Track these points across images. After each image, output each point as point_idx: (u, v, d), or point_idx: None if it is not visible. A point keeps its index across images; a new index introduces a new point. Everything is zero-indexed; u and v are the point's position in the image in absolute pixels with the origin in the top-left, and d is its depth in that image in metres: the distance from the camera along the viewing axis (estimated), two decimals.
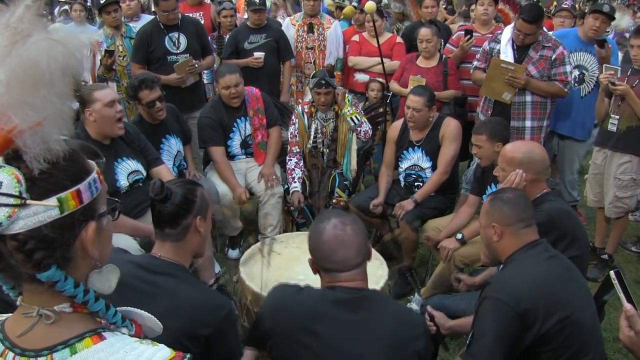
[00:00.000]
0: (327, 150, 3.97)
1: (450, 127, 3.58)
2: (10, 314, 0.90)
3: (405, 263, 3.65)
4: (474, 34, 4.40)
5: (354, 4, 5.47)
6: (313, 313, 1.61)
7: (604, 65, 3.85)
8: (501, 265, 2.16)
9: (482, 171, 3.31)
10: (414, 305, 3.30)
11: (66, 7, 6.56)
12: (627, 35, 5.82)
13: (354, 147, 3.91)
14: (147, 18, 4.97)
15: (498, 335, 1.79)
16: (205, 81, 5.10)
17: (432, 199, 3.59)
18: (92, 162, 0.90)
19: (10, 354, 0.84)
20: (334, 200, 3.87)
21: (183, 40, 4.34)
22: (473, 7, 5.14)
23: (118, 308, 0.94)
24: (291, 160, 3.95)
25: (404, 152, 3.71)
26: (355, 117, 3.82)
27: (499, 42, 3.95)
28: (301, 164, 3.96)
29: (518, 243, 1.98)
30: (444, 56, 4.39)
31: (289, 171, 3.93)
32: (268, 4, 6.23)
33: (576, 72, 4.14)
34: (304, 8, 5.12)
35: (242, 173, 3.92)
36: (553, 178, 4.62)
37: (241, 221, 4.01)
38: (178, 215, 1.72)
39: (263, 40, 4.76)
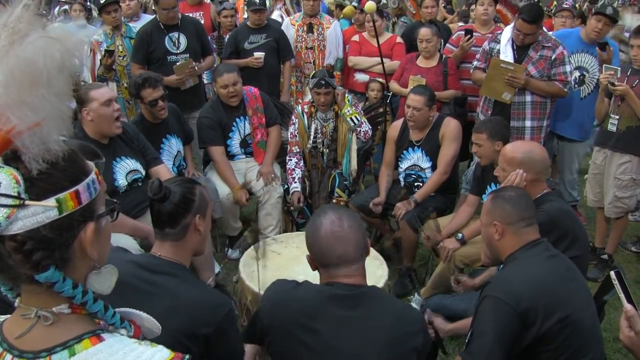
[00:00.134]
0: (327, 150, 3.97)
1: (450, 127, 3.57)
2: (9, 315, 0.90)
3: (406, 263, 3.65)
4: (474, 33, 4.40)
5: (354, 4, 5.46)
6: (311, 309, 1.60)
7: (604, 65, 3.85)
8: (501, 265, 2.16)
9: (481, 170, 3.31)
10: (414, 306, 3.31)
11: (66, 6, 6.56)
12: (627, 35, 5.81)
13: (354, 147, 3.91)
14: (147, 18, 4.97)
15: (497, 334, 1.78)
16: (205, 81, 5.09)
17: (432, 199, 3.59)
18: (91, 163, 0.89)
19: (9, 356, 0.84)
20: (334, 201, 3.87)
21: (183, 40, 4.33)
22: (473, 7, 5.14)
23: (117, 309, 0.94)
24: (291, 160, 3.95)
25: (404, 152, 3.71)
26: (355, 117, 3.82)
27: (498, 42, 3.94)
28: (301, 164, 3.96)
29: (519, 242, 1.98)
30: (444, 56, 4.39)
31: (289, 171, 3.93)
32: (268, 3, 6.22)
33: (577, 74, 4.14)
34: (304, 8, 5.12)
35: (242, 173, 3.92)
36: (553, 178, 4.62)
37: (241, 221, 4.01)
38: (177, 214, 1.72)
39: (263, 40, 4.76)
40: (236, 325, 1.77)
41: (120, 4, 4.68)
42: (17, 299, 0.88)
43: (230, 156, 3.95)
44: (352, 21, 5.46)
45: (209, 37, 4.91)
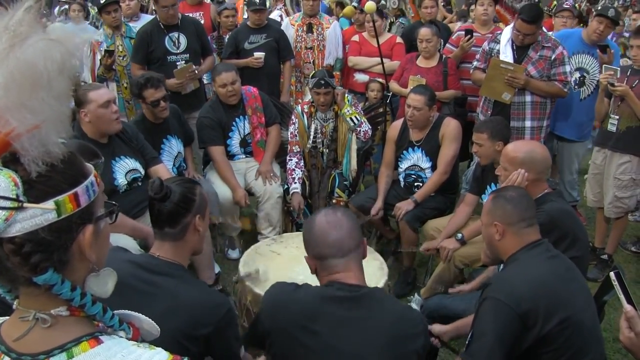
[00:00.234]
0: (327, 150, 3.96)
1: (450, 127, 3.57)
2: (7, 318, 0.90)
3: (406, 263, 3.66)
4: (473, 34, 4.40)
5: (354, 4, 5.46)
6: (311, 310, 1.60)
7: (604, 65, 3.85)
8: (501, 265, 2.16)
9: (481, 170, 3.31)
10: (414, 306, 3.31)
11: (66, 6, 6.57)
12: (626, 34, 5.82)
13: (354, 147, 3.91)
14: (146, 18, 4.97)
15: (498, 335, 1.78)
16: (205, 81, 5.09)
17: (432, 199, 3.59)
18: (90, 165, 0.89)
19: (6, 358, 0.83)
20: (333, 201, 3.86)
21: (183, 40, 4.33)
22: (473, 7, 5.14)
23: (115, 311, 0.94)
24: (291, 160, 3.95)
25: (404, 152, 3.71)
26: (355, 117, 3.82)
27: (498, 42, 3.94)
28: (301, 164, 3.96)
29: (520, 243, 1.98)
30: (443, 56, 4.38)
31: (289, 171, 3.93)
32: (267, 4, 6.23)
33: (577, 75, 4.14)
34: (303, 8, 5.12)
35: (242, 173, 3.92)
36: (553, 178, 4.62)
37: (241, 221, 4.01)
38: (177, 214, 1.72)
39: (263, 40, 4.75)
40: (235, 325, 1.77)
41: (120, 4, 4.68)
42: (15, 301, 0.88)
43: (230, 156, 3.95)
44: (352, 21, 5.46)
45: (209, 37, 4.91)
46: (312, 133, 3.93)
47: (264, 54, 4.66)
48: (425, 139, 3.62)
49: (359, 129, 3.83)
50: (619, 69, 3.73)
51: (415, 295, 3.41)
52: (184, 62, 4.31)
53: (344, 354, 1.55)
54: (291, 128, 3.98)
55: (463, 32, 4.49)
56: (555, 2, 6.80)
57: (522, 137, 3.82)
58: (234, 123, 3.90)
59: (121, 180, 3.09)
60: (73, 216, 0.83)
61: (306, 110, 3.94)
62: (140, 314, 1.00)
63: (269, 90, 4.42)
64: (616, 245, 4.01)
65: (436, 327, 2.28)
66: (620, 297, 1.54)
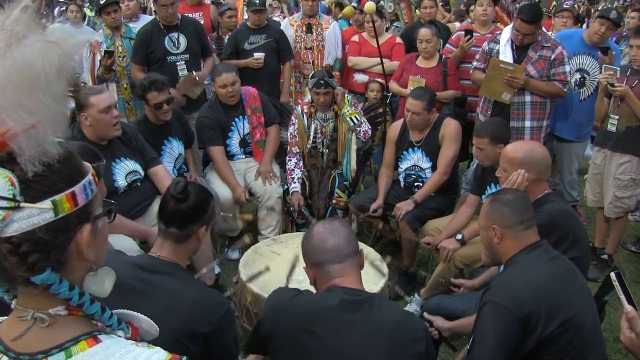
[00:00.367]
0: (327, 150, 3.96)
1: (450, 127, 3.57)
2: (5, 317, 0.90)
3: (406, 263, 3.65)
4: (473, 34, 4.40)
5: (354, 4, 5.46)
6: (312, 315, 1.61)
7: (603, 65, 3.85)
8: (502, 266, 2.16)
9: (482, 170, 3.30)
10: (414, 306, 3.31)
11: (64, 8, 6.60)
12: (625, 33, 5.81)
13: (354, 147, 3.91)
14: (146, 19, 4.97)
15: (499, 340, 1.78)
16: (205, 82, 5.09)
17: (432, 200, 3.59)
18: (88, 164, 0.89)
19: (5, 358, 0.83)
20: (333, 201, 3.86)
21: (183, 41, 4.33)
22: (472, 7, 5.13)
23: (114, 311, 0.94)
24: (291, 160, 3.94)
25: (404, 152, 3.71)
26: (355, 117, 3.82)
27: (498, 42, 3.94)
28: (301, 164, 3.95)
29: (518, 245, 1.97)
30: (443, 56, 4.38)
31: (288, 171, 3.93)
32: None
33: (577, 76, 4.14)
34: (303, 8, 5.12)
35: (242, 173, 3.92)
36: (553, 178, 4.62)
37: (240, 222, 4.00)
38: (188, 219, 1.79)
39: (263, 40, 4.75)
40: (234, 325, 1.79)
41: (120, 4, 4.68)
42: (13, 301, 0.87)
43: (230, 156, 3.95)
44: (351, 22, 5.45)
45: (208, 38, 4.91)
46: (312, 133, 3.92)
47: (263, 54, 4.66)
48: (425, 140, 3.62)
49: (358, 129, 3.83)
50: (618, 69, 3.73)
51: (415, 295, 3.41)
52: (183, 62, 4.32)
53: (346, 358, 1.56)
54: (291, 129, 3.98)
55: (463, 32, 4.49)
56: (554, 3, 6.80)
57: (521, 137, 3.82)
58: (233, 123, 3.90)
59: (121, 182, 3.09)
60: (70, 215, 0.82)
61: (306, 110, 3.94)
62: (139, 314, 1.00)
63: (268, 91, 4.42)
64: (616, 245, 4.01)
65: (439, 321, 2.29)
66: (620, 297, 1.54)
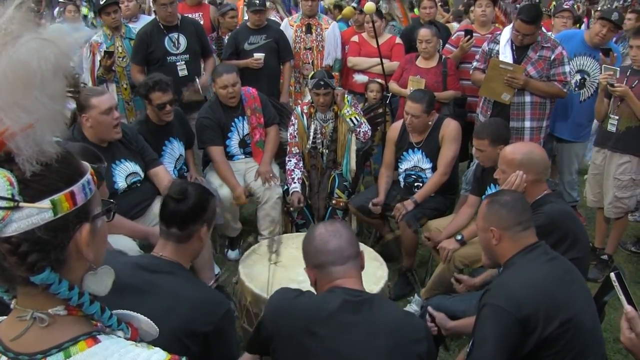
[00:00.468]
0: (327, 150, 3.96)
1: (450, 128, 3.57)
2: (4, 317, 0.89)
3: (405, 263, 3.65)
4: (473, 34, 4.40)
5: (354, 4, 5.46)
6: (313, 316, 1.61)
7: (603, 65, 3.85)
8: (501, 267, 2.15)
9: (481, 171, 3.30)
10: (414, 306, 3.30)
11: (63, 8, 6.62)
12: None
13: (354, 147, 3.91)
14: (145, 19, 4.96)
15: (498, 342, 1.78)
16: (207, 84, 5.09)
17: (431, 200, 3.59)
18: (86, 164, 0.89)
19: (4, 358, 0.83)
20: (333, 201, 3.86)
21: (183, 41, 4.33)
22: (472, 8, 5.13)
23: (114, 311, 0.94)
24: (291, 161, 3.94)
25: (404, 153, 3.70)
26: (355, 117, 3.82)
27: (498, 42, 3.94)
28: (301, 164, 3.95)
29: (516, 247, 1.97)
30: (443, 57, 4.38)
31: (288, 172, 3.93)
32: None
33: (578, 77, 4.13)
34: (302, 9, 5.12)
35: (242, 174, 3.92)
36: (552, 179, 4.62)
37: (241, 222, 4.00)
38: (189, 219, 1.79)
39: (263, 41, 4.75)
40: (234, 325, 1.79)
41: (119, 5, 4.68)
42: (12, 301, 0.87)
43: (230, 156, 3.95)
44: (350, 23, 5.44)
45: (208, 38, 4.91)
46: (311, 134, 3.92)
47: (263, 54, 4.66)
48: (426, 141, 3.62)
49: (358, 129, 3.83)
50: (618, 69, 3.73)
51: (415, 295, 3.41)
52: (183, 62, 4.32)
53: (347, 358, 1.56)
54: (290, 129, 3.97)
55: (463, 33, 4.49)
56: (554, 3, 6.81)
57: (521, 137, 3.82)
58: (233, 123, 3.90)
59: (121, 184, 3.09)
60: (69, 215, 0.82)
61: (306, 110, 3.94)
62: (139, 314, 1.00)
63: (268, 91, 4.41)
64: (616, 246, 4.01)
65: (440, 316, 2.29)
66: (620, 297, 1.53)
